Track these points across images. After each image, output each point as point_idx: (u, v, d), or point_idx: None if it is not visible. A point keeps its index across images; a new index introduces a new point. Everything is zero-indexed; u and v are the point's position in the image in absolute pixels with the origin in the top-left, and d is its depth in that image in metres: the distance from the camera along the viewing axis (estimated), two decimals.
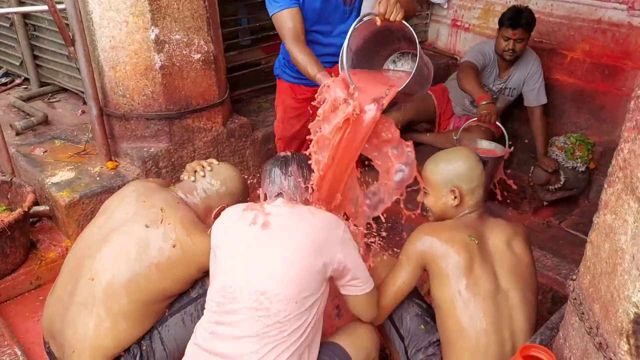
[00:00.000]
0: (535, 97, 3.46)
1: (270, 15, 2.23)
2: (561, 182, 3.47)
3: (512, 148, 3.30)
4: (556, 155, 3.48)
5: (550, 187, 3.51)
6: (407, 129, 3.70)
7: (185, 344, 1.82)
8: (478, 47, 3.52)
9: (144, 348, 1.78)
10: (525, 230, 1.90)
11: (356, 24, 1.87)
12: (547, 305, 2.55)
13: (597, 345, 1.23)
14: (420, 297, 1.95)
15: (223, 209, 1.90)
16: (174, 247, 1.74)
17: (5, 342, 2.13)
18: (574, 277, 1.43)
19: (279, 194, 1.72)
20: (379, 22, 1.85)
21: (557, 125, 3.72)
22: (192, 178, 1.95)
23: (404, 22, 1.85)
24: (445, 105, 3.78)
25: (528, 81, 3.45)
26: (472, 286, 1.68)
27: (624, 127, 1.22)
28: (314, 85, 2.01)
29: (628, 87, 3.38)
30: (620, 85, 3.42)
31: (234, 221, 1.67)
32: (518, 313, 1.71)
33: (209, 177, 1.94)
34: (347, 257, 1.62)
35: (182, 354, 1.84)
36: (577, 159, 3.44)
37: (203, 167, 1.97)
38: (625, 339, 1.15)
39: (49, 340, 1.84)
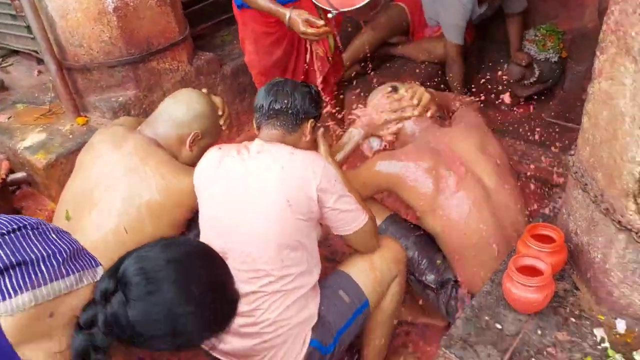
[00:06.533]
0: (518, 1, 3.37)
1: None
2: (536, 75, 3.46)
3: None
4: (528, 49, 3.44)
5: (525, 81, 3.51)
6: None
7: None
8: (459, 8, 3.17)
9: None
10: (483, 121, 1.91)
11: None
12: (538, 193, 2.61)
13: (603, 211, 1.25)
14: (404, 226, 1.93)
15: (197, 135, 1.84)
16: (158, 192, 1.69)
17: None
18: (572, 152, 1.44)
19: (265, 126, 1.63)
20: None
21: (525, 18, 3.66)
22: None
23: None
24: (418, 16, 3.64)
25: None
26: (460, 203, 1.68)
27: None
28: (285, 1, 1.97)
29: None
30: None
31: (211, 172, 1.59)
32: (511, 208, 1.73)
33: (172, 104, 1.85)
34: (334, 203, 1.54)
35: None
36: (549, 49, 3.42)
37: None
38: (632, 199, 1.17)
39: None
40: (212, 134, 1.92)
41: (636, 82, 1.11)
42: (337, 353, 1.65)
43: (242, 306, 1.54)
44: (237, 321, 1.54)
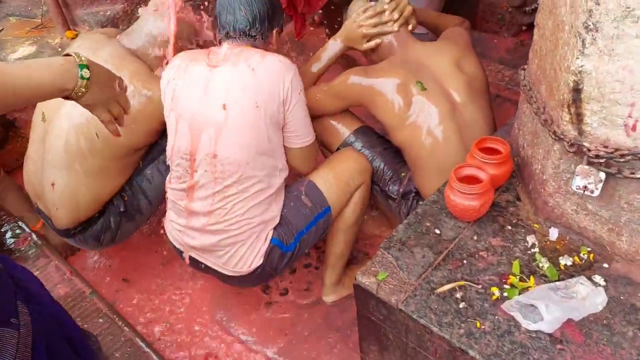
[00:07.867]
0: None
1: None
2: (538, 2, 3.35)
3: None
4: None
5: (527, 8, 3.41)
6: None
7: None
8: None
9: (126, 198, 1.87)
10: (467, 39, 1.90)
11: None
12: None
13: (543, 122, 1.28)
14: (374, 138, 1.97)
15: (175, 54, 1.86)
16: (130, 100, 1.72)
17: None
18: (525, 66, 1.45)
19: (227, 34, 1.62)
20: None
21: None
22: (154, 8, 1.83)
23: None
24: None
25: None
26: (427, 118, 1.70)
27: None
28: None
29: None
30: None
31: (178, 79, 1.61)
32: (478, 126, 1.75)
33: (151, 21, 1.84)
34: (292, 109, 1.59)
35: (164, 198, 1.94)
36: None
37: None
38: (566, 109, 1.19)
39: (36, 201, 1.93)
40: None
41: None
42: (297, 253, 1.74)
43: (209, 206, 1.63)
44: (205, 220, 1.64)
